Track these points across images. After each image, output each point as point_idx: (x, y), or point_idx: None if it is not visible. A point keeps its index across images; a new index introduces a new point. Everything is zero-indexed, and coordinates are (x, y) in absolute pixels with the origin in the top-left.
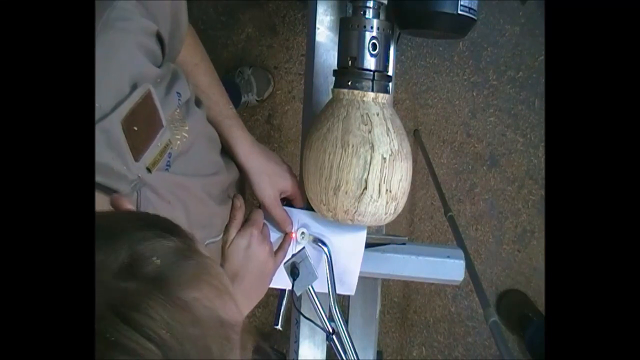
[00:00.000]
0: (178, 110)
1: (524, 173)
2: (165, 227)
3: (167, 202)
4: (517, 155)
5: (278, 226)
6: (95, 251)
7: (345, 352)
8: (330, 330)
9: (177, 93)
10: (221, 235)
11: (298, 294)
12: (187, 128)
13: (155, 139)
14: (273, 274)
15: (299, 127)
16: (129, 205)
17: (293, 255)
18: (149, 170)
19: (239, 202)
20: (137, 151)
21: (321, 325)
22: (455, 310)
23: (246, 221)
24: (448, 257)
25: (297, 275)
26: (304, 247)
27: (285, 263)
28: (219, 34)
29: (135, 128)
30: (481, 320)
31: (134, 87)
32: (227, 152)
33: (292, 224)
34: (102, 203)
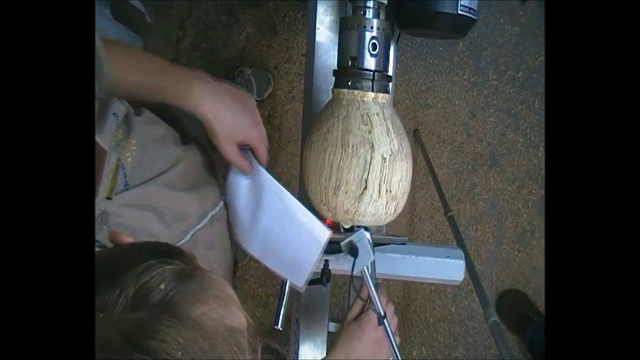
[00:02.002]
0: (121, 130)
1: (524, 173)
2: (165, 252)
3: (137, 217)
4: (517, 155)
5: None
6: (102, 292)
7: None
8: (383, 314)
9: (114, 114)
10: (205, 219)
11: (355, 272)
12: (134, 142)
13: (104, 167)
14: None
15: (299, 127)
16: (127, 238)
17: (351, 234)
18: (109, 198)
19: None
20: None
21: (374, 308)
22: (455, 310)
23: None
24: (448, 257)
25: (357, 254)
26: (362, 228)
27: (342, 242)
28: (219, 34)
29: None
30: (481, 320)
31: None
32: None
33: (251, 166)
34: None
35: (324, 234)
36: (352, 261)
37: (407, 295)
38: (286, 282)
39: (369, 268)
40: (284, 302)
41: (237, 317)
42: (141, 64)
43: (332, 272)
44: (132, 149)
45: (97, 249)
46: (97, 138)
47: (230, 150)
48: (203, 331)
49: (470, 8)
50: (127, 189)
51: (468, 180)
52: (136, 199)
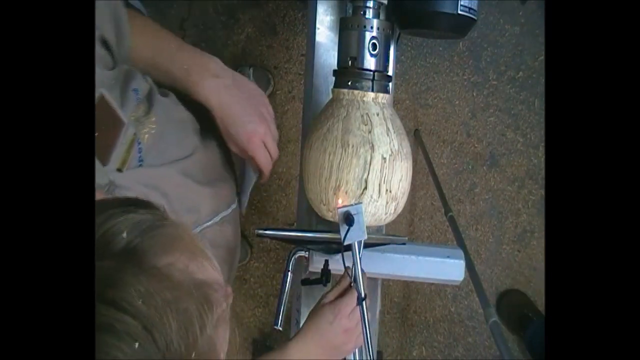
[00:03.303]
0: (142, 107)
1: (524, 173)
2: (131, 203)
3: (146, 196)
4: (517, 155)
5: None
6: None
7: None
8: (363, 295)
9: (134, 90)
10: (215, 218)
11: (345, 244)
12: (153, 119)
13: (119, 138)
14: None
15: (299, 127)
16: (99, 196)
17: (349, 206)
18: (119, 170)
19: (350, 273)
20: (103, 155)
21: (357, 288)
22: (455, 310)
23: (343, 294)
24: (448, 257)
25: (352, 225)
26: (361, 202)
27: (340, 210)
28: (219, 34)
29: (96, 134)
30: (481, 320)
31: None
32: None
33: (269, 161)
34: None
35: None
36: (350, 256)
37: (407, 295)
38: (286, 282)
39: (359, 247)
40: (284, 302)
41: (207, 271)
42: (157, 43)
43: (332, 272)
44: (150, 127)
45: None
46: (117, 110)
47: (233, 149)
48: (168, 282)
49: (470, 8)
50: (141, 166)
51: (468, 180)
52: (149, 178)
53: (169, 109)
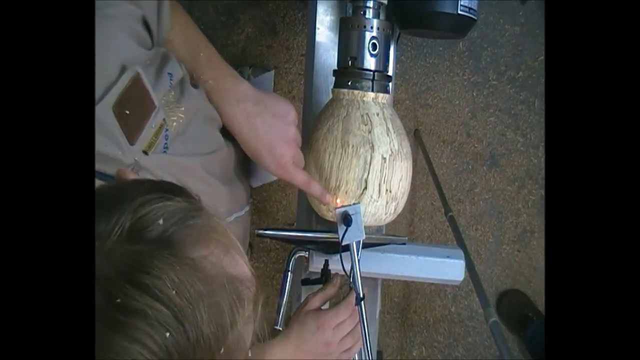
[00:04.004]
0: (173, 93)
1: (524, 173)
2: (168, 189)
3: None
4: (517, 155)
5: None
6: (97, 221)
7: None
8: (362, 295)
9: (169, 74)
10: (229, 218)
11: (343, 244)
12: (182, 108)
13: (149, 120)
14: None
15: (299, 127)
16: (133, 176)
17: (347, 206)
18: (145, 152)
19: (336, 280)
20: (132, 134)
21: (355, 288)
22: (455, 310)
23: (334, 307)
24: (448, 257)
25: (349, 225)
26: (359, 202)
27: (338, 210)
28: (219, 34)
29: (127, 112)
30: (481, 320)
31: (122, 70)
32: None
33: (314, 183)
34: None
35: None
36: (349, 257)
37: (407, 295)
38: (286, 282)
39: (357, 247)
40: (284, 302)
41: (239, 266)
42: (191, 45)
43: (332, 272)
44: (179, 115)
45: (100, 183)
46: (151, 91)
47: (276, 171)
48: (201, 274)
49: (470, 8)
50: (165, 153)
51: (468, 180)
52: (172, 167)
53: (198, 101)
